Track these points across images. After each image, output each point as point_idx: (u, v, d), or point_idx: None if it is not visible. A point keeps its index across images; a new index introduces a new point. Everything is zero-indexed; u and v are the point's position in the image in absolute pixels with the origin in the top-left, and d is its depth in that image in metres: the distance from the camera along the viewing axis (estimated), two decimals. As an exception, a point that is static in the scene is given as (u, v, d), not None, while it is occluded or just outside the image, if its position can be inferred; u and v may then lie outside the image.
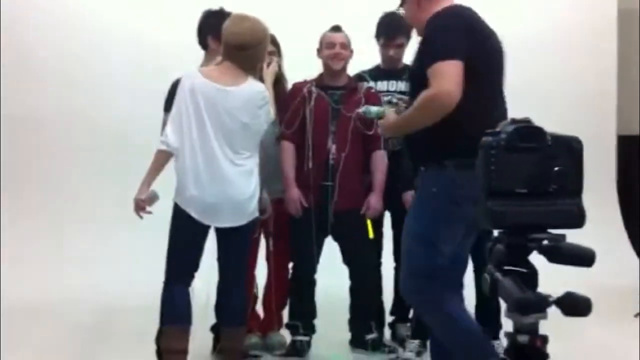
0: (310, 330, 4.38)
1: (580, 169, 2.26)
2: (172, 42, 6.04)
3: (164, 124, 3.84)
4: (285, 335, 4.45)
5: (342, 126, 4.20)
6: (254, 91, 3.66)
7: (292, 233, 4.33)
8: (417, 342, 4.21)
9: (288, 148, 4.26)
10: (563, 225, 2.22)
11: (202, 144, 3.58)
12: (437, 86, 2.85)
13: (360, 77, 4.50)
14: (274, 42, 4.24)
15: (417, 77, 3.06)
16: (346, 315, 4.46)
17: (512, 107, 4.14)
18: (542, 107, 5.88)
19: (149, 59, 6.42)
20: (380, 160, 4.23)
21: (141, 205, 3.65)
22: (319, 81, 4.34)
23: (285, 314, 4.47)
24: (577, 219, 2.23)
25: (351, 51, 4.35)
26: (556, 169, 2.23)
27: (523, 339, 2.20)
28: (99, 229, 6.34)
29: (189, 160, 3.59)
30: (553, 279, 2.49)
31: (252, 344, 4.32)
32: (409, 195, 3.94)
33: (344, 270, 4.41)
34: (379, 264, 4.51)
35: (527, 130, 2.25)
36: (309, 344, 4.36)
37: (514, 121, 2.29)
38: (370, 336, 4.37)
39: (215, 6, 4.14)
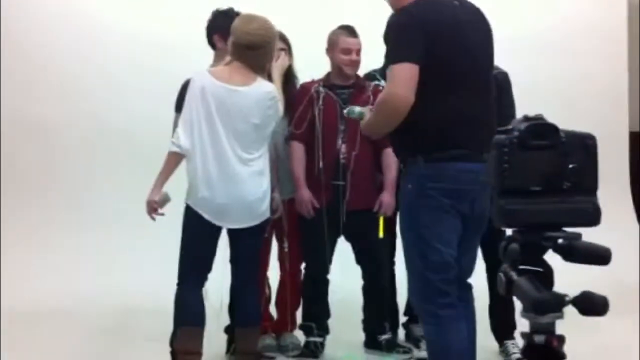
0: (324, 331, 4.37)
1: (595, 166, 2.23)
2: (183, 42, 5.99)
3: (175, 124, 3.84)
4: (299, 336, 4.44)
5: (351, 125, 4.17)
6: (264, 91, 3.66)
7: (303, 234, 4.31)
8: (431, 342, 4.17)
9: (297, 148, 4.24)
10: (578, 223, 2.19)
11: (213, 145, 3.58)
12: (387, 90, 2.91)
13: (371, 76, 4.48)
14: (284, 39, 4.23)
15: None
16: (360, 316, 4.44)
17: (522, 105, 4.21)
18: (553, 104, 5.88)
19: (157, 58, 6.36)
20: (391, 158, 4.18)
21: (154, 207, 3.65)
22: (326, 80, 4.32)
23: (299, 314, 4.46)
24: (592, 217, 2.20)
25: None
26: (570, 166, 2.20)
27: (539, 339, 2.18)
28: (111, 231, 6.31)
29: (200, 162, 3.59)
30: (566, 277, 2.46)
31: (266, 345, 4.30)
32: None
33: (357, 270, 4.39)
34: (392, 264, 4.48)
35: (541, 127, 2.22)
36: (323, 344, 4.35)
37: (526, 118, 2.26)
38: (384, 337, 4.36)
39: (224, 6, 4.12)
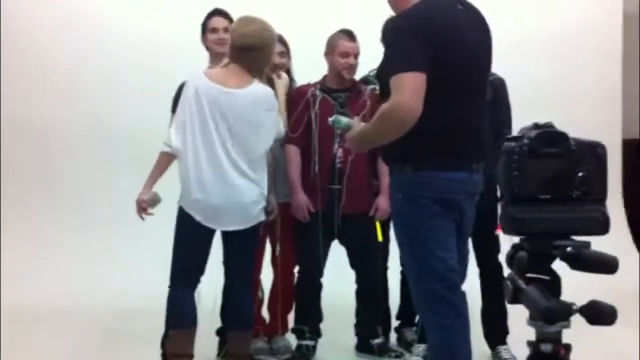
0: (316, 334, 4.33)
1: (604, 174, 2.23)
2: (183, 42, 5.87)
3: (171, 125, 3.80)
4: (291, 339, 4.40)
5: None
6: (261, 94, 3.63)
7: (298, 237, 4.28)
8: (423, 346, 4.13)
9: (293, 152, 4.21)
10: (587, 232, 2.19)
11: (205, 146, 3.55)
12: (395, 100, 2.72)
13: (366, 79, 4.46)
14: (283, 42, 4.22)
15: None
16: (352, 320, 4.41)
17: (518, 111, 4.21)
18: (546, 110, 5.88)
19: (157, 58, 6.34)
20: None
21: (143, 207, 3.62)
22: (323, 84, 4.29)
23: (291, 318, 4.42)
24: (601, 226, 2.20)
25: None
26: (580, 174, 2.20)
27: (546, 347, 2.17)
28: (111, 231, 6.28)
29: (193, 163, 3.55)
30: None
31: (257, 349, 4.27)
32: None
33: (350, 274, 4.36)
34: (386, 268, 4.47)
35: (551, 135, 2.22)
36: (314, 348, 4.32)
37: (536, 126, 2.26)
38: (377, 341, 4.32)
39: (221, 6, 4.10)
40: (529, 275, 2.19)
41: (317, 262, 4.26)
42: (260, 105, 3.62)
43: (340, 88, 4.26)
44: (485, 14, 3.06)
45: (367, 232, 4.20)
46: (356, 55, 4.25)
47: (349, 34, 4.26)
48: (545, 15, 6.76)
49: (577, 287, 2.56)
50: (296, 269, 4.38)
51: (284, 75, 4.19)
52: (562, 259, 2.18)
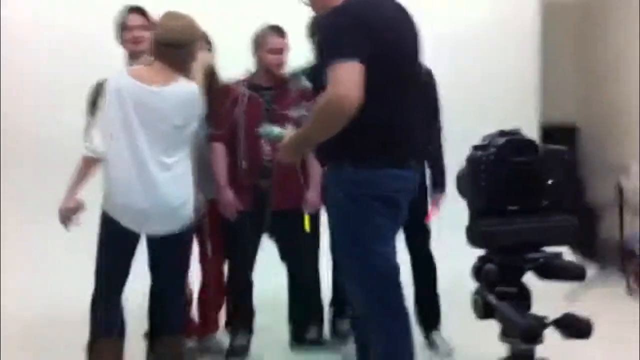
0: (249, 331, 4.20)
1: (573, 181, 2.16)
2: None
3: (87, 129, 3.57)
4: (223, 337, 4.28)
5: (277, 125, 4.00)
6: (186, 91, 3.42)
7: (227, 234, 4.12)
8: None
9: (219, 149, 4.04)
10: (558, 242, 2.13)
11: (130, 148, 3.33)
12: (332, 91, 2.61)
13: (294, 75, 4.28)
14: (208, 41, 4.02)
15: (319, 77, 2.82)
16: (284, 315, 4.30)
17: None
18: (464, 99, 5.91)
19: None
20: None
21: (67, 216, 3.39)
22: (250, 81, 4.11)
23: (221, 316, 4.29)
24: (572, 235, 2.14)
25: None
26: (549, 182, 2.12)
27: (523, 365, 2.10)
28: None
29: (117, 167, 3.33)
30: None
31: (189, 349, 4.08)
32: None
33: (279, 268, 4.25)
34: (317, 260, 4.35)
35: (518, 143, 2.12)
36: (248, 346, 4.19)
37: (503, 133, 2.16)
38: (311, 334, 4.24)
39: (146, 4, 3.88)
40: (499, 288, 2.11)
41: (247, 260, 4.14)
42: (186, 103, 3.42)
43: (269, 85, 4.10)
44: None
45: (297, 226, 4.07)
46: (285, 51, 4.09)
47: (277, 30, 4.09)
48: (463, 7, 6.65)
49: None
50: (225, 266, 4.22)
51: (203, 52, 3.89)
52: (533, 270, 2.11)
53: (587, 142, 7.03)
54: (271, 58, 4.05)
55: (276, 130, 3.15)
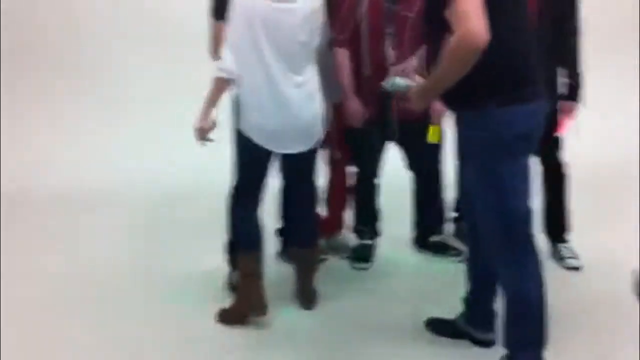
0: (374, 233, 4.35)
1: None
2: None
3: (213, 33, 3.72)
4: (349, 237, 4.46)
5: (400, 29, 3.91)
6: (312, 8, 3.41)
7: (353, 141, 4.18)
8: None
9: (342, 55, 3.99)
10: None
11: (261, 68, 3.37)
12: (465, 29, 2.52)
13: None
14: None
15: (434, 19, 2.75)
16: (409, 218, 4.41)
17: None
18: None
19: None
20: None
21: (203, 134, 3.51)
22: None
23: (347, 216, 4.44)
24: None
25: None
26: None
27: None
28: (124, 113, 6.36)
29: (249, 87, 3.40)
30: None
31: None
32: None
33: (401, 171, 4.33)
34: (440, 168, 4.33)
35: None
36: (374, 246, 4.35)
37: None
38: (435, 238, 4.34)
39: None
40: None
41: (374, 165, 4.21)
42: (312, 19, 3.42)
43: None
44: None
45: (424, 135, 4.05)
46: None
47: None
48: None
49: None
50: (352, 169, 4.32)
51: None
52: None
53: None
54: None
55: (402, 82, 3.11)
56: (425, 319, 3.48)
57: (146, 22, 6.37)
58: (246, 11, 3.32)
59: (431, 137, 3.95)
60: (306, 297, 3.76)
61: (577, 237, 4.24)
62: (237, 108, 3.49)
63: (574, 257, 4.15)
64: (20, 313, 3.73)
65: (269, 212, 3.93)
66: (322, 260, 4.24)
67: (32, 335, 3.51)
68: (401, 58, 3.91)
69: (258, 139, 3.47)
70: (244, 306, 3.58)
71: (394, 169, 4.36)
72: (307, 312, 3.71)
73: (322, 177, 4.32)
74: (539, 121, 2.87)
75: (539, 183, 4.11)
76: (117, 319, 3.66)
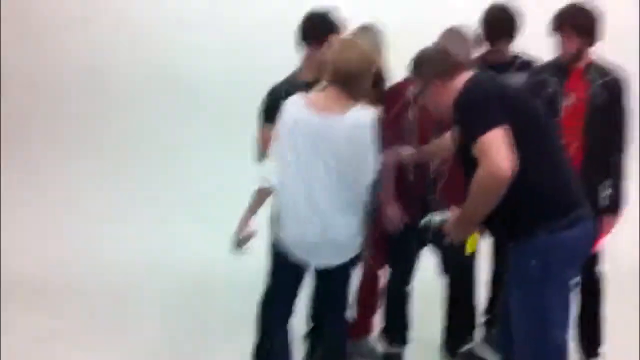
0: (403, 341, 4.21)
1: None
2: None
3: (261, 137, 3.67)
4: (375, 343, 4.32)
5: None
6: (362, 120, 3.26)
7: (390, 245, 4.07)
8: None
9: (389, 156, 3.86)
10: None
11: (303, 179, 3.26)
12: (485, 164, 2.65)
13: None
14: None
15: (464, 152, 2.86)
16: (437, 326, 4.27)
17: None
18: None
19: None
20: None
21: (242, 243, 3.41)
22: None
23: (377, 321, 4.31)
24: None
25: None
26: None
27: None
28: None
29: (290, 198, 3.30)
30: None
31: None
32: None
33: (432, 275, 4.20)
34: (474, 276, 4.22)
35: None
36: (401, 355, 4.21)
37: None
38: (466, 347, 4.20)
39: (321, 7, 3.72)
40: None
41: (408, 271, 4.10)
42: (361, 131, 3.27)
43: None
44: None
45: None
46: None
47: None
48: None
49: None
50: (384, 273, 4.20)
51: None
52: None
53: None
54: None
55: (437, 219, 3.20)
56: None
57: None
58: (295, 121, 3.23)
59: (469, 247, 3.85)
60: None
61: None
62: (276, 218, 3.40)
63: None
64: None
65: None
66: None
67: None
68: (443, 164, 3.87)
69: (294, 251, 3.37)
70: None
71: (427, 274, 4.23)
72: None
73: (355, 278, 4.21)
74: (586, 243, 2.94)
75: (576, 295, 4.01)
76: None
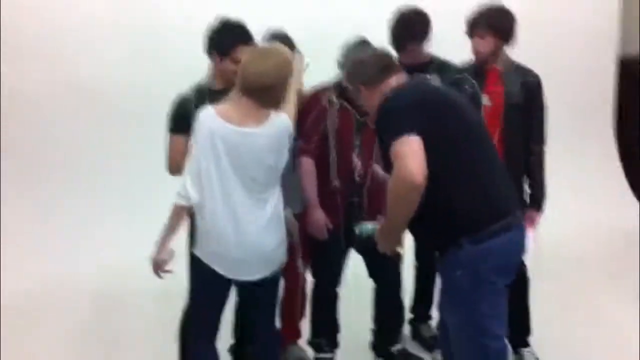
0: (334, 345, 4.14)
1: None
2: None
3: (169, 146, 3.52)
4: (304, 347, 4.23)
5: (367, 140, 3.78)
6: (280, 129, 3.20)
7: (314, 250, 3.98)
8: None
9: (308, 165, 3.82)
10: None
11: (223, 195, 3.14)
12: (396, 169, 2.66)
13: None
14: (291, 44, 3.73)
15: (385, 160, 2.86)
16: (367, 326, 4.23)
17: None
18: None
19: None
20: None
21: (161, 265, 3.26)
22: (339, 88, 3.80)
23: (304, 325, 4.23)
24: None
25: None
26: None
27: None
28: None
29: (210, 214, 3.16)
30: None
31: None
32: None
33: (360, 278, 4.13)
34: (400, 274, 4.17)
35: None
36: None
37: None
38: (396, 347, 4.18)
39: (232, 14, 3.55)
40: None
41: (335, 274, 4.01)
42: (280, 142, 3.21)
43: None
44: None
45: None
46: None
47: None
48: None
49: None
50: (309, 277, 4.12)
51: (297, 61, 3.58)
52: None
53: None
54: None
55: (370, 226, 3.18)
56: None
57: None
58: (212, 135, 3.09)
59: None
60: None
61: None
62: (195, 233, 3.28)
63: None
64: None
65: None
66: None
67: None
68: (366, 168, 3.82)
69: (217, 267, 3.24)
70: None
71: (353, 276, 4.17)
72: None
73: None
74: (516, 249, 2.95)
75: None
76: None
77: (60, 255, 5.65)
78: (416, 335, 4.46)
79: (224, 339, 3.76)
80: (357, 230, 3.29)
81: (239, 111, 3.13)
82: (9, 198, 5.84)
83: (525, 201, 3.92)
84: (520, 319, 4.14)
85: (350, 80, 3.20)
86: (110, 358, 4.40)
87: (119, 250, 5.53)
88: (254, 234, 3.20)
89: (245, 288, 3.40)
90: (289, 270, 4.02)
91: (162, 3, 5.91)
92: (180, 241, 3.36)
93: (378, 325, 4.19)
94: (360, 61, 3.16)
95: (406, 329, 4.41)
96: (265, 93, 3.11)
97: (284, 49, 3.25)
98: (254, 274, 3.29)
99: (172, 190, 3.17)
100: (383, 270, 4.03)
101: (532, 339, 4.19)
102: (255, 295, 3.42)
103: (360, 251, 4.01)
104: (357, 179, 3.83)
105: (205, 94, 3.47)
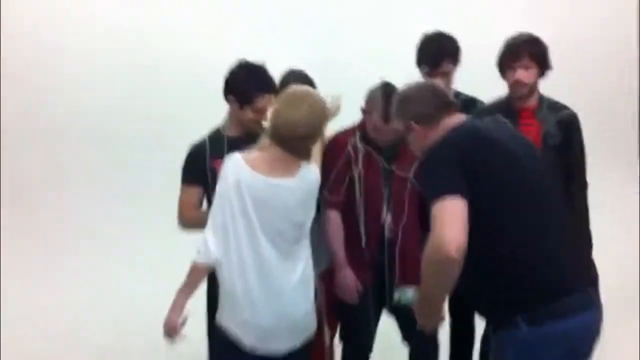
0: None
1: None
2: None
3: (182, 199, 3.35)
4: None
5: (397, 190, 3.51)
6: (311, 182, 2.96)
7: (344, 313, 3.68)
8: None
9: (335, 218, 3.53)
10: None
11: (253, 253, 2.85)
12: (432, 238, 2.31)
13: None
14: (311, 84, 3.56)
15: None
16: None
17: None
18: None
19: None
20: None
21: (175, 331, 2.95)
22: (363, 132, 3.52)
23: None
24: None
25: None
26: None
27: None
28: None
29: (238, 275, 2.86)
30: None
31: None
32: None
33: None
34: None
35: None
36: None
37: None
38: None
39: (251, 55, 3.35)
40: None
41: (366, 339, 3.69)
42: (310, 194, 2.98)
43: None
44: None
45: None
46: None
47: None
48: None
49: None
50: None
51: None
52: None
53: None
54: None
55: (410, 294, 2.95)
56: None
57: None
58: (239, 186, 2.82)
59: None
60: None
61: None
62: (217, 299, 2.99)
63: None
64: None
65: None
66: None
67: None
68: (398, 223, 3.52)
69: (246, 338, 2.92)
70: None
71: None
72: None
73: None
74: (588, 336, 2.48)
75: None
76: None
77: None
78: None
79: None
80: (396, 295, 3.06)
81: (267, 160, 2.88)
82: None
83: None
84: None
85: (401, 115, 2.76)
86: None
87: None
88: (286, 296, 2.92)
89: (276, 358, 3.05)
90: (315, 344, 3.74)
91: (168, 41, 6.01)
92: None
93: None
94: (414, 94, 2.76)
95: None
96: (298, 143, 2.88)
97: (318, 95, 2.99)
98: (284, 343, 2.98)
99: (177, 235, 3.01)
100: (419, 333, 3.68)
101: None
102: None
103: (393, 312, 3.70)
104: (387, 234, 3.53)
105: (222, 141, 3.29)
